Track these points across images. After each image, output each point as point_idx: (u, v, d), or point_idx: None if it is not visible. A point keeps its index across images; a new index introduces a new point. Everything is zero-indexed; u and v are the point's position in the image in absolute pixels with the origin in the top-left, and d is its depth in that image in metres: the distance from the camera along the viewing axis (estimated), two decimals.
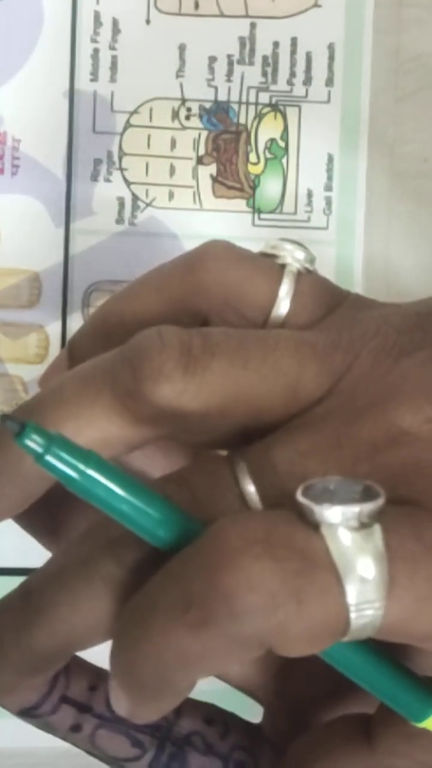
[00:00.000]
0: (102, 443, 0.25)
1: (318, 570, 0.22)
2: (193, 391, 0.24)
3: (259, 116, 0.37)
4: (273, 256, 0.28)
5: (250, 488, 0.24)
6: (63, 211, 0.36)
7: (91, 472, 0.23)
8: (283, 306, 0.27)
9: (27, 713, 0.29)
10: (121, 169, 0.37)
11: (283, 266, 0.27)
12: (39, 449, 0.22)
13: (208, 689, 0.31)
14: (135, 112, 0.37)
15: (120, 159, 0.36)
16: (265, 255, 0.28)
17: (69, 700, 0.29)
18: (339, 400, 0.25)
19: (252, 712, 0.31)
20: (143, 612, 0.23)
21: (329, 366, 0.25)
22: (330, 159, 0.37)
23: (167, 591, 0.23)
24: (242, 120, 0.37)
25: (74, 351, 0.28)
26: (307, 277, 0.27)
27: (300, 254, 0.28)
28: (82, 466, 0.23)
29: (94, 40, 0.36)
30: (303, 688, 0.30)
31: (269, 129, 0.37)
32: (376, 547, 0.22)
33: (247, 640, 0.22)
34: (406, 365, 0.25)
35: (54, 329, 0.36)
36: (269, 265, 0.27)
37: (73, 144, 0.36)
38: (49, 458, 0.22)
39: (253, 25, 0.37)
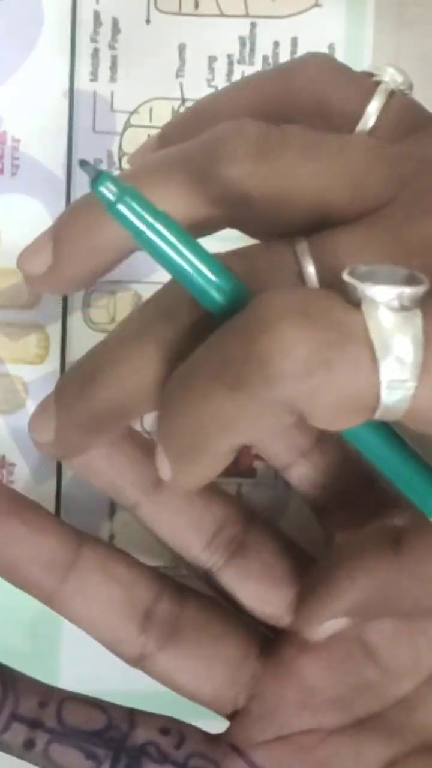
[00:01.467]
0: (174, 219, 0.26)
1: (353, 343, 0.23)
2: (263, 176, 0.26)
3: None
4: (372, 75, 0.29)
5: (309, 268, 0.25)
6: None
7: (159, 226, 0.24)
8: (370, 120, 0.28)
9: None
10: (122, 169, 0.36)
11: (378, 83, 0.28)
12: (111, 197, 0.23)
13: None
14: (135, 112, 0.37)
15: (120, 159, 0.36)
16: (365, 73, 0.29)
17: (18, 717, 0.30)
18: (405, 203, 0.26)
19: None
20: (186, 375, 0.25)
21: (400, 172, 0.26)
22: None
23: (210, 355, 0.24)
24: None
25: (165, 137, 0.30)
26: (399, 98, 0.29)
27: (399, 77, 0.29)
28: (150, 219, 0.24)
29: (93, 40, 0.36)
30: (271, 695, 0.31)
31: None
32: (414, 329, 0.23)
33: (279, 404, 0.23)
34: None
35: (54, 329, 0.36)
36: (364, 79, 0.29)
37: (72, 144, 0.36)
38: (120, 207, 0.23)
39: (253, 25, 0.37)
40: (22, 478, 0.36)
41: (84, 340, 0.36)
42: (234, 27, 0.37)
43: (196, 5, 0.36)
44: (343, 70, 0.29)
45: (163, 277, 0.36)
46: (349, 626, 0.30)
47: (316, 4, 0.37)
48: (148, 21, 0.36)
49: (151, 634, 0.31)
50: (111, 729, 0.30)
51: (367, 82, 0.28)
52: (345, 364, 0.23)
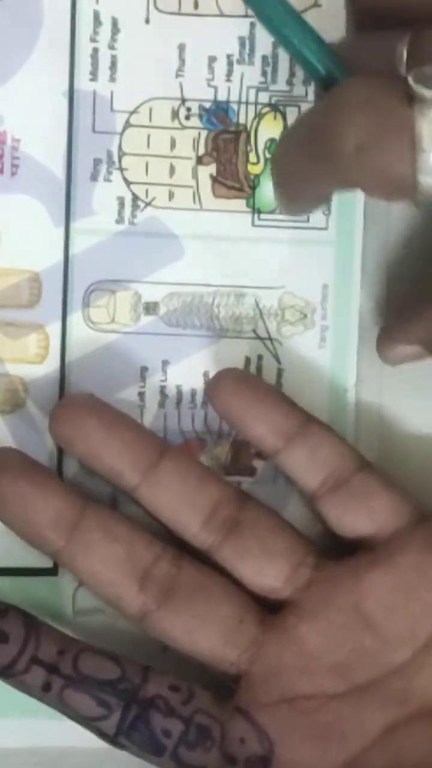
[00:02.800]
0: None
1: (399, 132, 0.28)
2: None
3: (259, 116, 0.37)
4: None
5: (403, 58, 0.29)
6: (63, 211, 0.36)
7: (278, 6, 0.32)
8: None
9: (4, 674, 0.33)
10: (121, 169, 0.37)
11: None
12: None
13: None
14: (134, 111, 0.37)
15: (120, 159, 0.36)
16: None
17: (38, 660, 0.33)
18: None
19: None
20: (285, 141, 0.33)
21: None
22: None
23: (299, 127, 0.31)
24: (242, 120, 0.37)
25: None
26: None
27: None
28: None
29: (93, 40, 0.36)
30: (273, 659, 0.34)
31: (269, 129, 0.37)
32: None
33: (341, 174, 0.29)
34: None
35: (54, 329, 0.36)
36: None
37: (72, 143, 0.36)
38: None
39: (252, 25, 0.37)
40: None
41: (84, 339, 0.36)
42: (234, 27, 0.37)
43: (196, 5, 0.36)
44: None
45: (163, 277, 0.37)
46: (419, 357, 0.35)
47: (316, 4, 0.37)
48: (147, 21, 0.36)
49: (150, 593, 0.33)
50: (124, 681, 0.33)
51: None
52: (388, 148, 0.28)
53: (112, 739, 0.33)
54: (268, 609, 0.34)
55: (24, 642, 0.33)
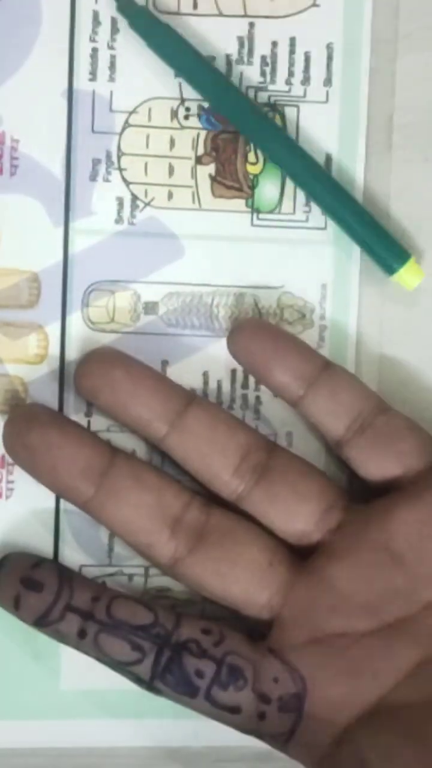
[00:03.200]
0: None
1: None
2: None
3: None
4: None
5: None
6: (62, 211, 0.36)
7: None
8: None
9: (40, 623, 0.33)
10: (120, 169, 0.37)
11: None
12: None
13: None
14: (134, 111, 0.37)
15: (119, 159, 0.36)
16: None
17: (73, 608, 0.33)
18: None
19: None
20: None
21: None
22: (328, 159, 0.37)
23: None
24: None
25: None
26: None
27: None
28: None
29: (92, 40, 0.36)
30: (304, 600, 0.34)
31: None
32: None
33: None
34: None
35: (54, 329, 0.36)
36: None
37: (71, 144, 0.36)
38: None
39: (251, 25, 0.37)
40: (21, 478, 0.36)
41: (83, 339, 0.36)
42: (232, 27, 0.37)
43: (195, 5, 0.36)
44: None
45: (163, 277, 0.37)
46: None
47: (314, 4, 0.37)
48: None
49: (181, 539, 0.34)
50: (157, 626, 0.33)
51: None
52: None
53: (149, 685, 0.33)
54: (298, 555, 0.35)
55: (58, 591, 0.33)
